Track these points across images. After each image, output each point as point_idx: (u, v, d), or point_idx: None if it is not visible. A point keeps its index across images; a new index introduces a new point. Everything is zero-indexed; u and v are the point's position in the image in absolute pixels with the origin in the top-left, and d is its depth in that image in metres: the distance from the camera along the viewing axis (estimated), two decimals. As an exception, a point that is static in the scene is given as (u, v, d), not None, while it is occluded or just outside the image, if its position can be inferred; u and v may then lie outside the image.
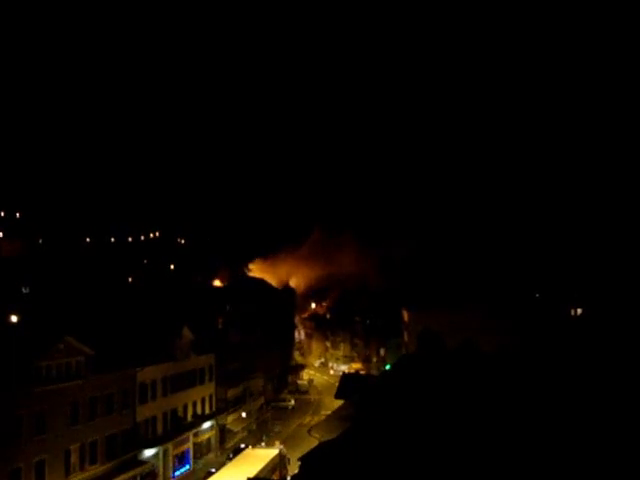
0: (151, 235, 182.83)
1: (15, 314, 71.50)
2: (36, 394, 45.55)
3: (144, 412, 59.09)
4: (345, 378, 35.99)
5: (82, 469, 50.12)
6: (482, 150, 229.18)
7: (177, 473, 64.34)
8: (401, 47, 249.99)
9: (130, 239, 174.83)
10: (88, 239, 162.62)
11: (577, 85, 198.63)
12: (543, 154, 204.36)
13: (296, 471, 23.59)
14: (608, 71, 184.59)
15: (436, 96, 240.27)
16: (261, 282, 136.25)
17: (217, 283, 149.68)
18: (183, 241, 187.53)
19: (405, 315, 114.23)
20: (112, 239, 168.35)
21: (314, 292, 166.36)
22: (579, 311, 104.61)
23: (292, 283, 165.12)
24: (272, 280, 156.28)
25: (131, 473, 54.88)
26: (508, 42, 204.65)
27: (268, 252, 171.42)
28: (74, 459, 49.32)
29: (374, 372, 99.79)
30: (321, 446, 24.65)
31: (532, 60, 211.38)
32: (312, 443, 31.74)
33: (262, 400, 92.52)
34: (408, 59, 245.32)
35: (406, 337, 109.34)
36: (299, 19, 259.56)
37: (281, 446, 64.89)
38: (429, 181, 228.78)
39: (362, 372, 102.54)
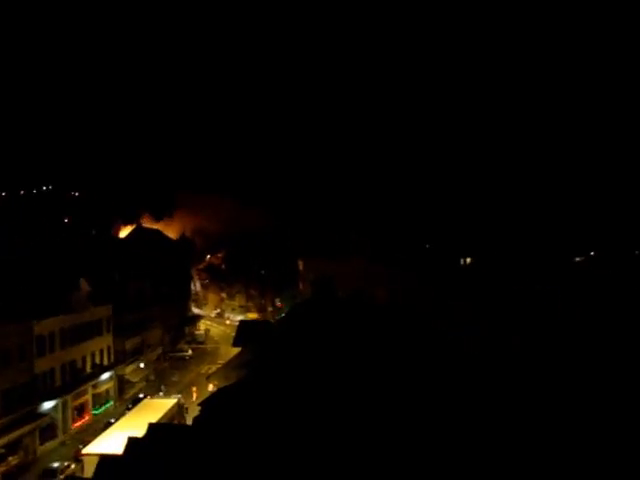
0: (44, 188, 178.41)
1: None
2: None
3: (42, 365, 59.10)
4: (243, 325, 37.23)
5: (-20, 422, 50.26)
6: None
7: (76, 424, 65.04)
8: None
9: (22, 192, 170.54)
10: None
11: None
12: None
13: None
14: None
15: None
16: (158, 233, 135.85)
17: (122, 234, 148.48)
18: (77, 194, 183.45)
19: (300, 265, 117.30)
20: (3, 193, 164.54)
21: (211, 243, 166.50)
22: (468, 260, 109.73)
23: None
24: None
25: (30, 426, 55.19)
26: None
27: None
28: (-29, 413, 49.41)
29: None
30: (220, 391, 26.16)
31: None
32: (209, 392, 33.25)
33: (160, 351, 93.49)
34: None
35: (301, 286, 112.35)
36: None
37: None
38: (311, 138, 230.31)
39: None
